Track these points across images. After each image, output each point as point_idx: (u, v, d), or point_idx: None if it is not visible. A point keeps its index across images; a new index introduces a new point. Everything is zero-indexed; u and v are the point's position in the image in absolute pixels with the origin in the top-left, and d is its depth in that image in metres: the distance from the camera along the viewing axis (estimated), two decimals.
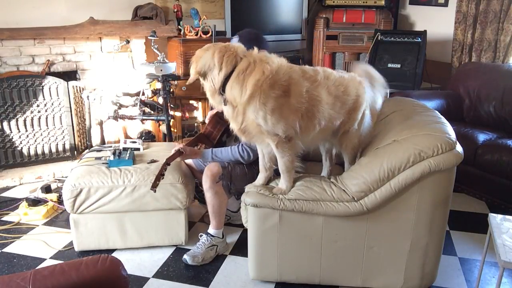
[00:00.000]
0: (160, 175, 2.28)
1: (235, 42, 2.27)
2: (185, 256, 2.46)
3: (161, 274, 2.41)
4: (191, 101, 4.17)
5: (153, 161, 2.65)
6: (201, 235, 2.54)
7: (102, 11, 3.89)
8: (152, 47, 3.75)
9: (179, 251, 2.62)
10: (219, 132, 2.56)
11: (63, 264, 1.39)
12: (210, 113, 2.74)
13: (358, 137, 2.25)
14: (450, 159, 1.97)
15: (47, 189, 3.19)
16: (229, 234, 2.73)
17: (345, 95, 2.12)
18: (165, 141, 3.87)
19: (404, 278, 2.19)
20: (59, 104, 3.76)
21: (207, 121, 2.71)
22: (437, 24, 4.58)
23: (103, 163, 2.61)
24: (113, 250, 2.60)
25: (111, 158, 2.61)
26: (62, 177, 3.62)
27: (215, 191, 2.39)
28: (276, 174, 2.31)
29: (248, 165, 2.47)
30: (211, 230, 2.52)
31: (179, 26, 4.08)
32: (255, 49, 2.05)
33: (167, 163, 2.32)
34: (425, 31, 4.18)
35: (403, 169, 1.99)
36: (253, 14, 4.56)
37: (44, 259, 2.53)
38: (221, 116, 2.58)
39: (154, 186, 2.26)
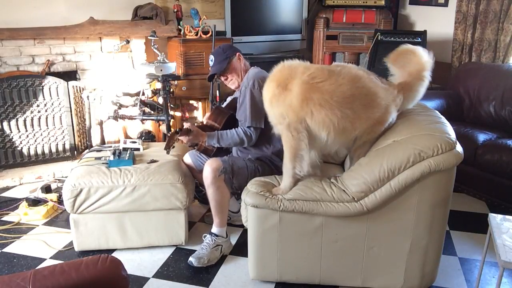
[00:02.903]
0: (174, 134, 2.35)
1: (210, 61, 2.59)
2: (191, 259, 2.44)
3: (161, 274, 2.41)
4: (191, 101, 4.17)
5: (153, 161, 2.65)
6: (204, 236, 2.53)
7: (102, 11, 3.89)
8: (152, 47, 3.75)
9: (179, 251, 2.62)
10: (221, 123, 2.57)
11: (63, 264, 1.39)
12: None
13: (370, 147, 2.23)
14: (450, 159, 1.97)
15: (47, 189, 3.19)
16: (230, 235, 2.73)
17: (370, 107, 2.09)
18: (165, 141, 3.86)
19: (404, 278, 2.19)
20: (59, 104, 3.76)
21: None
22: (437, 24, 4.58)
23: (103, 163, 2.61)
24: (113, 250, 2.60)
25: (111, 158, 2.61)
26: (62, 177, 3.62)
27: (217, 186, 2.37)
28: (279, 173, 2.33)
29: (248, 159, 2.48)
30: (215, 229, 2.51)
31: (179, 26, 4.08)
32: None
33: (180, 128, 2.40)
34: (425, 31, 4.18)
35: (403, 169, 1.99)
36: (253, 14, 4.56)
37: (44, 259, 2.53)
38: (221, 108, 2.62)
39: (167, 147, 2.33)
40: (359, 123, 2.10)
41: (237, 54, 2.56)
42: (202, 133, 2.45)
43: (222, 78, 2.60)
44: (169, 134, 2.36)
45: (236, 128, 2.45)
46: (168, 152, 2.39)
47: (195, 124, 2.59)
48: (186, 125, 2.44)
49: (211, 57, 2.58)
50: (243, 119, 2.44)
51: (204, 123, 2.64)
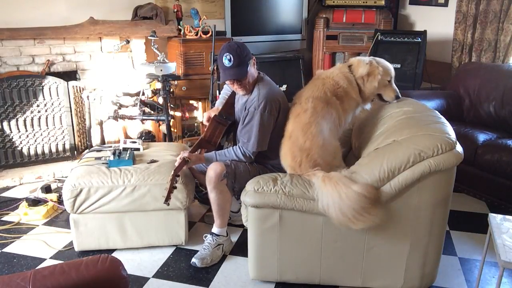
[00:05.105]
0: (172, 188, 2.25)
1: (226, 60, 2.29)
2: (194, 260, 2.44)
3: (161, 274, 2.41)
4: (191, 101, 4.17)
5: (153, 161, 2.65)
6: (205, 236, 2.53)
7: (102, 11, 3.89)
8: (152, 47, 3.75)
9: (179, 251, 2.62)
10: (220, 136, 2.54)
11: (63, 264, 1.39)
12: (207, 115, 2.71)
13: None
14: (450, 159, 1.97)
15: (47, 189, 3.19)
16: (230, 234, 2.73)
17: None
18: (165, 141, 3.87)
19: (404, 278, 2.19)
20: (59, 104, 3.76)
21: (205, 122, 2.69)
22: (437, 24, 4.58)
23: (103, 163, 2.61)
24: (113, 250, 2.60)
25: (111, 158, 2.61)
26: (62, 177, 3.62)
27: (220, 190, 2.37)
28: (280, 171, 2.35)
29: (251, 163, 2.48)
30: (215, 229, 2.51)
31: (179, 26, 4.08)
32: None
33: (176, 174, 2.29)
34: (425, 31, 4.18)
35: (403, 170, 1.99)
36: (253, 14, 4.56)
37: (44, 259, 2.53)
38: (219, 119, 2.57)
39: (167, 200, 2.24)
40: None
41: (253, 58, 2.39)
42: (200, 157, 2.43)
43: (235, 84, 2.38)
44: (166, 188, 2.26)
45: (235, 148, 2.43)
46: (168, 204, 2.27)
47: (196, 124, 2.56)
48: (182, 154, 2.39)
49: (229, 55, 2.28)
50: (246, 139, 2.39)
51: (202, 136, 2.61)
